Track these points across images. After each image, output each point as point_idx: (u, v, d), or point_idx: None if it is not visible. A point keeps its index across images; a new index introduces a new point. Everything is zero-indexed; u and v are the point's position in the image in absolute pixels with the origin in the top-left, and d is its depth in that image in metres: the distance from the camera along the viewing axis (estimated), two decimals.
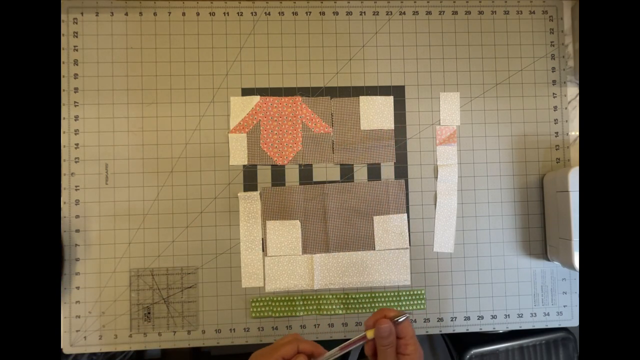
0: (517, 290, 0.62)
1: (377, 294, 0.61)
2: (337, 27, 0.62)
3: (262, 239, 0.60)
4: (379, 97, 0.62)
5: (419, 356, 0.39)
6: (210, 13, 0.62)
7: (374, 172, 0.62)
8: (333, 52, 0.62)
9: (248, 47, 0.62)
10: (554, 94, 0.64)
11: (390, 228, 0.61)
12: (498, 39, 0.63)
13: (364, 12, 0.63)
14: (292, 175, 0.61)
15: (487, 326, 0.62)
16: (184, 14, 0.61)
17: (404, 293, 0.61)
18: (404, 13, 0.63)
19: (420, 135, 0.62)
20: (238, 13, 0.62)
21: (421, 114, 0.62)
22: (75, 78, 0.60)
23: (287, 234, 0.60)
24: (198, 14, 0.61)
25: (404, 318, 0.39)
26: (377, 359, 0.39)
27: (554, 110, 0.63)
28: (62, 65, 0.60)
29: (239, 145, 0.61)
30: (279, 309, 0.60)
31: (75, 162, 0.60)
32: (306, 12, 0.62)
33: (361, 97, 0.62)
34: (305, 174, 0.61)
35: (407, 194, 0.62)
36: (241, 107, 0.61)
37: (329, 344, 0.82)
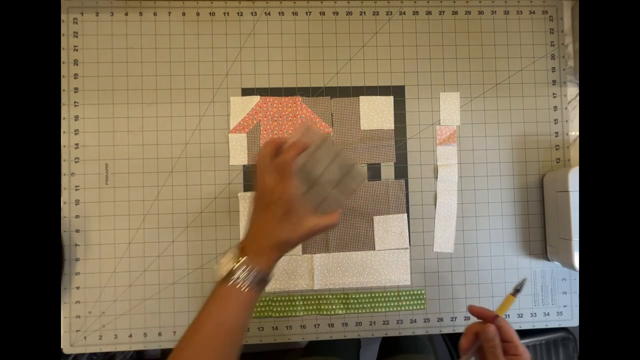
0: None
1: (377, 294, 0.61)
2: (337, 27, 0.62)
3: None
4: (379, 97, 0.62)
5: (529, 357, 0.39)
6: (210, 13, 0.62)
7: (374, 172, 0.62)
8: (333, 52, 0.62)
9: (248, 47, 0.62)
10: (554, 94, 0.64)
11: (390, 228, 0.61)
12: (498, 39, 0.63)
13: (364, 12, 0.63)
14: None
15: None
16: (184, 14, 0.61)
17: (404, 293, 0.61)
18: (404, 13, 0.63)
19: (420, 135, 0.62)
20: (238, 13, 0.62)
21: (421, 114, 0.62)
22: (75, 78, 0.60)
23: None
24: (198, 14, 0.61)
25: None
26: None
27: (554, 110, 0.63)
28: (62, 65, 0.60)
29: (239, 145, 0.61)
30: (279, 309, 0.60)
31: (75, 162, 0.59)
32: (306, 12, 0.62)
33: (361, 97, 0.62)
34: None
35: (407, 194, 0.62)
36: (241, 107, 0.61)
37: (329, 344, 0.81)
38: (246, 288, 0.35)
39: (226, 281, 0.36)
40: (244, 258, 0.36)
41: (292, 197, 0.37)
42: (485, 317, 0.41)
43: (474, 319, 0.62)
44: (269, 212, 0.37)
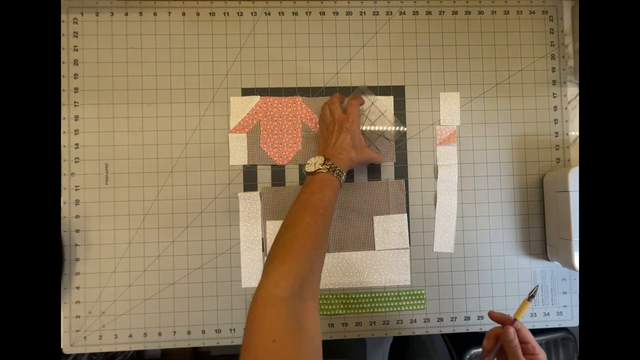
0: (517, 290, 0.62)
1: (377, 294, 0.61)
2: (337, 27, 0.62)
3: (262, 239, 0.60)
4: (379, 97, 0.62)
5: (544, 356, 0.44)
6: (210, 13, 0.62)
7: (374, 172, 0.62)
8: (333, 52, 0.62)
9: (248, 47, 0.62)
10: (554, 94, 0.64)
11: (390, 228, 0.61)
12: (498, 39, 0.63)
13: (364, 12, 0.63)
14: (292, 175, 0.61)
15: (487, 326, 0.62)
16: (184, 14, 0.61)
17: (404, 293, 0.61)
18: (404, 13, 0.63)
19: (420, 135, 0.62)
20: (238, 13, 0.62)
21: (421, 114, 0.62)
22: (75, 78, 0.60)
23: None
24: (198, 14, 0.61)
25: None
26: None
27: (554, 110, 0.63)
28: (62, 65, 0.60)
29: (239, 145, 0.61)
30: None
31: (75, 162, 0.60)
32: (306, 12, 0.62)
33: (361, 97, 0.62)
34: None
35: (407, 194, 0.62)
36: (241, 107, 0.61)
37: (330, 344, 0.82)
38: (335, 175, 0.49)
39: (318, 173, 0.49)
40: (331, 161, 0.50)
41: (356, 129, 0.54)
42: (505, 321, 0.45)
43: (474, 319, 0.62)
44: (341, 135, 0.53)
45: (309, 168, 0.50)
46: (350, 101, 0.56)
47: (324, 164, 0.50)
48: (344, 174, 0.51)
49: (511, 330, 0.43)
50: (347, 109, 0.55)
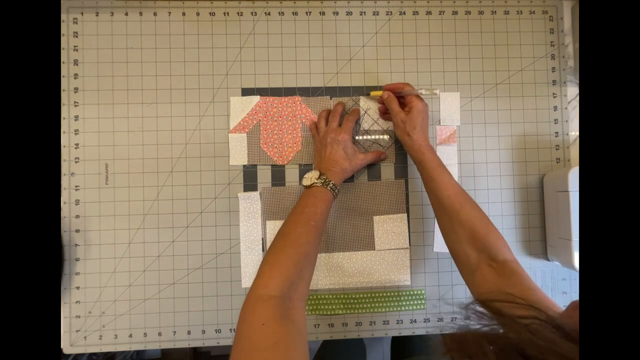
0: None
1: (377, 294, 0.61)
2: (337, 27, 0.62)
3: (262, 239, 0.60)
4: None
5: (423, 107, 0.55)
6: (210, 13, 0.62)
7: (374, 172, 0.62)
8: (333, 52, 0.62)
9: (248, 47, 0.62)
10: (554, 94, 0.64)
11: (390, 228, 0.61)
12: (498, 39, 0.63)
13: (364, 12, 0.63)
14: (292, 175, 0.61)
15: (486, 326, 0.62)
16: (184, 14, 0.61)
17: (404, 293, 0.61)
18: (404, 13, 0.63)
19: None
20: (238, 13, 0.62)
21: None
22: (75, 78, 0.60)
23: None
24: (198, 14, 0.61)
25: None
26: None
27: (554, 110, 0.63)
28: (62, 65, 0.60)
29: (239, 145, 0.61)
30: None
31: (75, 162, 0.60)
32: (306, 12, 0.62)
33: (361, 97, 0.62)
34: (305, 174, 0.61)
35: (407, 194, 0.62)
36: (241, 107, 0.61)
37: (329, 344, 0.81)
38: (328, 189, 0.52)
39: (313, 186, 0.52)
40: (325, 175, 0.53)
41: (347, 140, 0.57)
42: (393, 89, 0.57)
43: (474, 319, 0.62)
44: (333, 148, 0.56)
45: (306, 182, 0.54)
46: (347, 117, 0.59)
47: (319, 178, 0.53)
48: (338, 187, 0.54)
49: (385, 93, 0.57)
50: (343, 121, 0.58)
